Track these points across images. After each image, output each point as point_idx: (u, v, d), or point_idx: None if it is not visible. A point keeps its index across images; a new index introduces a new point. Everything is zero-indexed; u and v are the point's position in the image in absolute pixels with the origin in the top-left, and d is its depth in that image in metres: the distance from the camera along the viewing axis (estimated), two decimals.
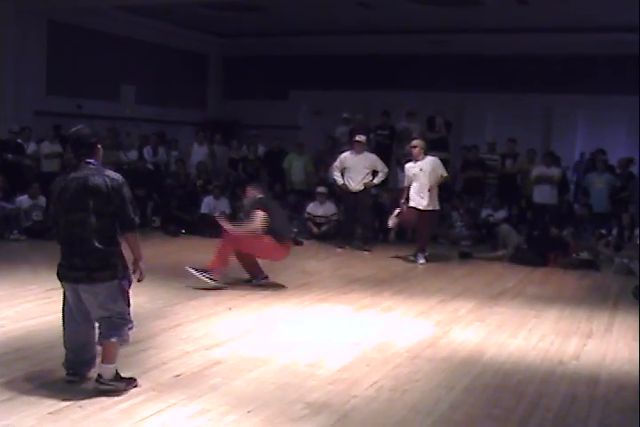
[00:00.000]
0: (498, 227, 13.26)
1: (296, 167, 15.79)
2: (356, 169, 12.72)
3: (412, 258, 11.88)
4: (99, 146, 5.33)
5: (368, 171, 12.76)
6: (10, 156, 13.85)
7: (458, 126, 17.42)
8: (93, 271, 5.07)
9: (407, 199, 11.77)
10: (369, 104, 18.55)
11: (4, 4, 14.93)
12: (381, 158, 13.03)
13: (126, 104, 18.11)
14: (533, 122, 18.23)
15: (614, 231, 12.54)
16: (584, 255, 12.08)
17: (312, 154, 16.49)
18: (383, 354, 6.58)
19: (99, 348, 5.37)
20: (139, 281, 5.36)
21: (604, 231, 12.66)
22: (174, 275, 9.56)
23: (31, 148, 14.48)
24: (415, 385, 5.74)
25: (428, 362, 6.38)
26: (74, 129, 5.39)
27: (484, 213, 14.48)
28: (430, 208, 11.73)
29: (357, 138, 12.86)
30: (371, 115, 17.40)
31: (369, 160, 12.78)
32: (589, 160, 15.44)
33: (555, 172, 13.97)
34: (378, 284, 9.93)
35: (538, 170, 14.02)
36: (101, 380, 5.20)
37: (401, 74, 19.11)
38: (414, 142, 12.04)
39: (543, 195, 13.86)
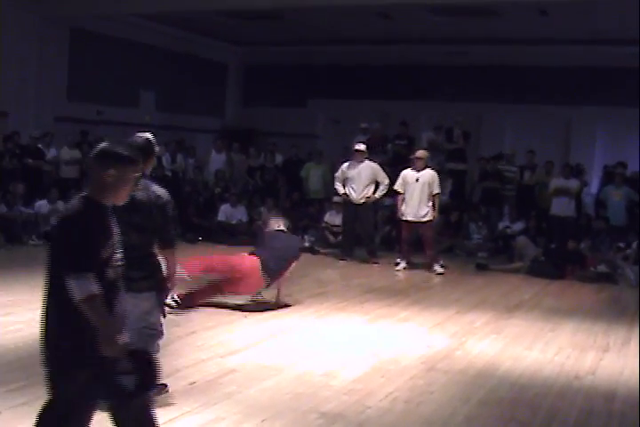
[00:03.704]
0: (515, 239, 13.22)
1: (314, 176, 15.82)
2: (357, 179, 12.47)
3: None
4: (153, 157, 5.20)
5: (369, 181, 12.50)
6: (30, 161, 13.95)
7: (476, 137, 17.38)
8: (135, 282, 4.97)
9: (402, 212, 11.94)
10: (387, 114, 18.56)
11: (27, 12, 15.07)
12: (399, 168, 12.83)
13: (146, 111, 18.20)
14: (552, 133, 18.17)
15: (634, 245, 12.46)
16: (602, 269, 12.03)
17: (329, 163, 16.51)
18: (398, 365, 6.56)
19: None
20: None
21: (622, 245, 12.58)
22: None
23: (51, 153, 14.57)
24: (430, 397, 5.73)
25: (444, 374, 6.36)
26: (133, 137, 5.23)
27: (502, 224, 14.44)
28: (426, 218, 11.83)
29: (357, 147, 12.64)
30: (389, 125, 17.43)
31: (370, 170, 12.50)
32: (607, 173, 15.38)
33: (573, 184, 13.92)
34: (394, 294, 9.92)
35: (556, 182, 13.97)
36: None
37: (419, 84, 19.10)
38: (420, 154, 12.01)
39: (561, 207, 13.80)
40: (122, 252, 4.89)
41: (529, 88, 18.18)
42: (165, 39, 18.41)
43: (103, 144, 3.74)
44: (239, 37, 19.72)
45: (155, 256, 5.18)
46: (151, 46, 18.24)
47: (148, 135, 5.29)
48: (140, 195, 5.01)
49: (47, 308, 3.62)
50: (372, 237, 12.99)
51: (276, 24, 17.25)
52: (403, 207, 11.89)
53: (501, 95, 18.34)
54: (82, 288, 3.38)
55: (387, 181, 12.57)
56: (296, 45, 19.28)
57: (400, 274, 11.81)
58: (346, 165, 12.70)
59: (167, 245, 5.21)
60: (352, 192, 12.55)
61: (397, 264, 12.06)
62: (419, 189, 11.74)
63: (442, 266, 11.86)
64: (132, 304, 5.02)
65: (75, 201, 3.57)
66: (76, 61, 16.52)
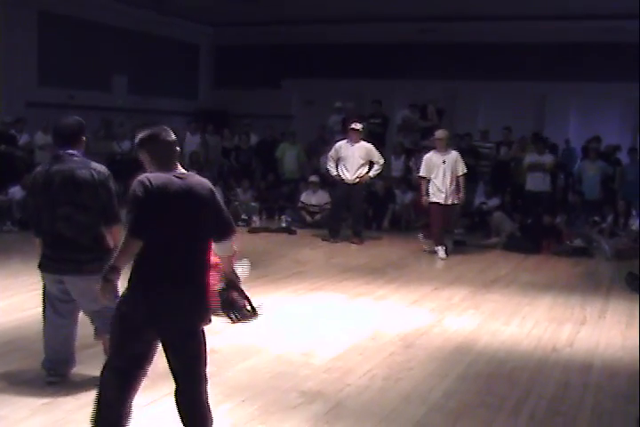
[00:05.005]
0: (491, 214, 13.27)
1: (289, 156, 15.78)
2: (351, 159, 12.24)
3: (427, 248, 11.68)
4: (83, 137, 5.21)
5: (363, 161, 12.26)
6: (2, 146, 13.80)
7: (450, 114, 17.39)
8: (84, 264, 4.97)
9: (427, 192, 11.54)
10: (361, 93, 18.51)
11: None
12: (374, 147, 12.71)
13: (118, 95, 18.03)
14: (526, 109, 18.19)
15: (609, 219, 12.56)
16: (577, 243, 12.11)
17: (305, 143, 16.49)
18: (377, 343, 6.59)
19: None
20: None
21: (597, 219, 12.68)
22: None
23: (24, 139, 14.42)
24: (409, 373, 5.76)
25: (422, 350, 6.39)
26: (61, 119, 5.29)
27: (477, 200, 14.48)
28: (453, 202, 11.53)
29: (354, 126, 12.34)
30: (363, 104, 17.40)
31: (365, 150, 12.29)
32: (583, 148, 15.45)
33: (547, 159, 13.96)
34: (372, 272, 9.94)
35: (530, 158, 14.02)
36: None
37: (393, 62, 19.04)
38: (440, 135, 11.64)
39: (536, 182, 13.85)
40: (68, 234, 4.99)
41: (503, 64, 18.16)
42: (136, 21, 18.19)
43: (163, 127, 4.19)
44: (211, 18, 19.56)
45: (105, 238, 5.08)
46: (122, 29, 18.01)
47: (77, 117, 5.32)
48: (82, 173, 5.00)
49: (199, 267, 4.07)
50: (362, 218, 12.87)
51: (248, 4, 17.11)
52: (430, 191, 11.46)
53: (475, 72, 18.31)
54: (232, 247, 4.24)
55: (382, 161, 12.42)
56: (268, 25, 19.14)
57: (440, 261, 11.21)
58: (340, 144, 12.46)
59: (113, 221, 5.07)
60: (345, 172, 12.31)
61: (436, 253, 11.39)
62: (449, 171, 11.39)
63: (446, 251, 11.49)
64: (83, 287, 4.98)
65: (191, 174, 4.19)
66: (45, 46, 16.29)
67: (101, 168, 5.08)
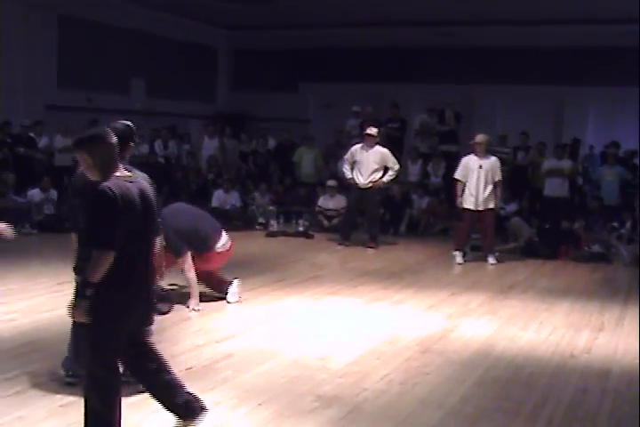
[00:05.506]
0: (509, 220, 13.23)
1: (306, 160, 15.80)
2: (366, 163, 12.21)
3: (455, 256, 11.41)
4: (131, 143, 4.94)
5: (377, 166, 12.24)
6: (21, 149, 13.90)
7: (468, 119, 17.35)
8: None
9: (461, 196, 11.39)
10: (379, 97, 18.52)
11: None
12: (392, 151, 12.69)
13: (136, 97, 18.11)
14: (544, 114, 18.14)
15: (628, 224, 12.48)
16: (596, 248, 12.04)
17: (322, 147, 16.51)
18: (394, 347, 6.58)
19: None
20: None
21: (615, 224, 12.61)
22: None
23: (43, 141, 14.51)
24: (426, 378, 5.74)
25: (439, 355, 6.38)
26: (110, 123, 5.00)
27: None
28: (490, 206, 11.33)
29: (368, 131, 12.35)
30: (381, 108, 17.40)
31: (380, 155, 12.25)
32: (602, 153, 15.37)
33: (566, 164, 13.90)
34: (389, 277, 9.93)
35: (549, 163, 13.96)
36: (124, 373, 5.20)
37: (411, 66, 19.04)
38: (479, 139, 11.40)
39: (554, 188, 13.79)
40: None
41: (521, 69, 18.12)
42: (155, 24, 18.29)
43: (104, 128, 4.31)
44: (229, 21, 19.62)
45: None
46: (140, 32, 18.11)
47: (128, 122, 5.17)
48: (147, 185, 4.70)
49: (151, 267, 4.34)
50: (376, 222, 12.80)
51: (265, 7, 17.16)
52: (464, 195, 11.30)
53: (494, 76, 18.27)
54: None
55: (397, 166, 12.39)
56: (286, 29, 19.19)
57: (458, 266, 11.16)
58: (355, 148, 12.45)
59: (155, 232, 4.87)
60: (359, 176, 12.27)
61: (454, 257, 11.38)
62: (483, 176, 11.22)
63: (497, 258, 11.41)
64: None
65: (136, 175, 4.34)
66: (65, 48, 16.41)
67: (142, 176, 4.79)
